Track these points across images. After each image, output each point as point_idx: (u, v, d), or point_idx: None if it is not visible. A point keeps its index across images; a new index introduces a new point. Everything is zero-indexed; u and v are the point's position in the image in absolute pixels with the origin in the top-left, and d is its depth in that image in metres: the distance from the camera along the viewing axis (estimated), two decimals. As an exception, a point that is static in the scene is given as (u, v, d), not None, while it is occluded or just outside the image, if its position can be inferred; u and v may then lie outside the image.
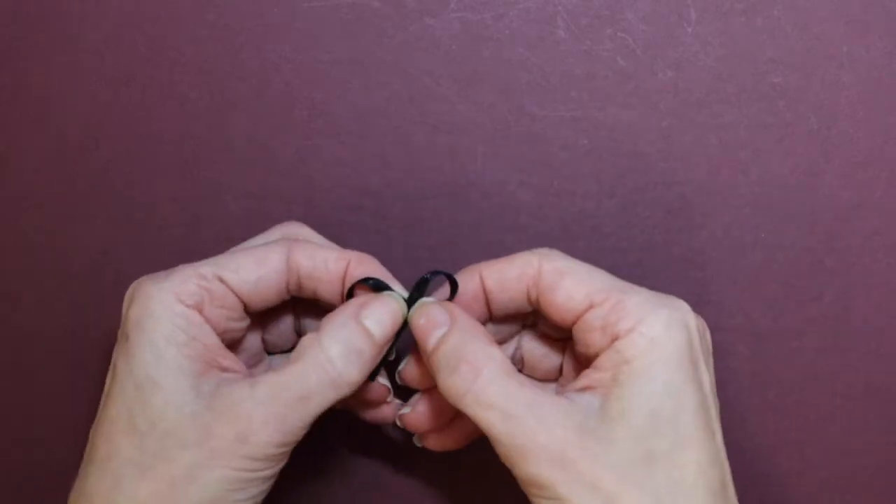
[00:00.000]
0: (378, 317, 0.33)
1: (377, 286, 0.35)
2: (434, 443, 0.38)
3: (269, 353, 0.39)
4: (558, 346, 0.37)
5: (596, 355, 0.32)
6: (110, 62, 0.42)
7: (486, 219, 0.41)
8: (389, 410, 0.38)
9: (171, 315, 0.32)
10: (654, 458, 0.30)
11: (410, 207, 0.42)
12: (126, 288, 0.43)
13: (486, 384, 0.31)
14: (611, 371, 0.31)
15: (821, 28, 0.40)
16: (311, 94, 0.42)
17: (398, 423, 0.38)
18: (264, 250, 0.35)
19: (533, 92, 0.41)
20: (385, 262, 0.36)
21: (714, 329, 0.41)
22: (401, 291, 0.35)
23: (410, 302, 0.35)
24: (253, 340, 0.37)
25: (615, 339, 0.31)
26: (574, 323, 0.33)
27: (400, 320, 0.34)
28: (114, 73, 0.42)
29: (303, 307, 0.38)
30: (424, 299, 0.35)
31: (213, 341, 0.33)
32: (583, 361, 0.34)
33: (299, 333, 0.39)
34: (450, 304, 0.34)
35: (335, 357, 0.32)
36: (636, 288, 0.33)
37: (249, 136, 0.42)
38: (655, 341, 0.31)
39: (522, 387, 0.31)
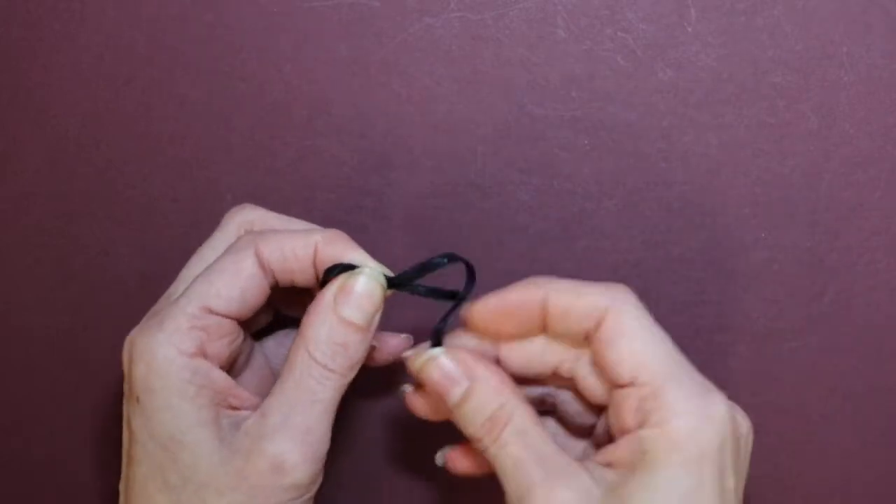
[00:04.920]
0: (356, 303, 0.33)
1: (346, 268, 0.34)
2: (458, 465, 0.37)
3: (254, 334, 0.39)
4: (595, 407, 0.36)
5: (622, 432, 0.31)
6: (110, 62, 0.42)
7: (486, 219, 0.41)
8: (395, 345, 0.38)
9: (177, 370, 0.32)
10: None
11: (410, 207, 0.42)
12: (126, 288, 0.43)
13: (507, 440, 0.31)
14: (629, 456, 0.30)
15: (821, 28, 0.40)
16: (311, 94, 0.42)
17: (405, 392, 0.36)
18: (234, 260, 0.33)
19: (533, 92, 0.41)
20: (385, 263, 0.35)
21: (714, 329, 0.41)
22: (373, 265, 0.34)
23: (461, 296, 0.34)
24: (246, 341, 0.37)
25: (642, 425, 0.30)
26: (613, 388, 0.32)
27: (378, 294, 0.33)
28: (114, 73, 0.42)
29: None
30: (432, 351, 0.33)
31: (223, 382, 0.33)
32: (612, 431, 0.33)
33: (272, 304, 0.38)
34: (463, 355, 0.33)
35: (321, 357, 0.32)
36: (684, 374, 0.31)
37: (249, 136, 0.42)
38: (679, 444, 0.30)
39: (539, 444, 0.31)
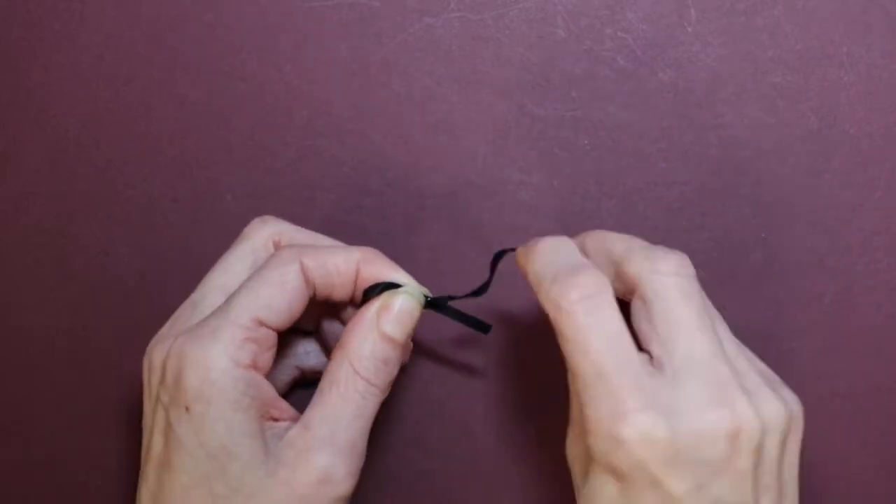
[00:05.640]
0: (397, 320, 0.34)
1: (388, 288, 0.35)
2: None
3: None
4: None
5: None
6: (110, 62, 0.42)
7: (486, 219, 0.41)
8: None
9: (233, 381, 0.32)
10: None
11: (410, 207, 0.42)
12: (126, 288, 0.43)
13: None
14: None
15: (821, 28, 0.40)
16: (311, 94, 0.42)
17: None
18: (280, 272, 0.34)
19: (533, 92, 0.41)
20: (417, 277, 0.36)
21: (714, 329, 0.41)
22: (412, 283, 0.35)
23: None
24: None
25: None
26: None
27: (417, 313, 0.35)
28: (114, 73, 0.42)
29: None
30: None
31: (270, 394, 0.33)
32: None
33: None
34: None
35: (364, 372, 0.33)
36: (609, 389, 0.30)
37: (249, 136, 0.42)
38: (599, 455, 0.30)
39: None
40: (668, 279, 0.31)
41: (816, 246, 0.41)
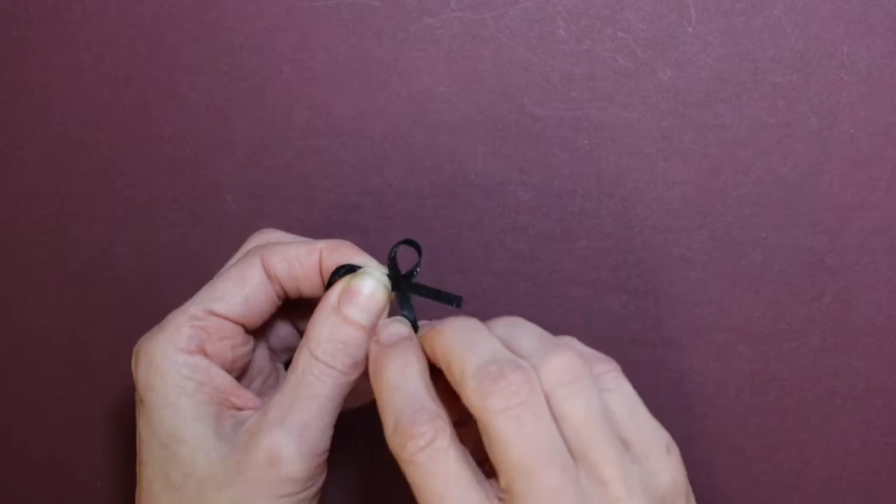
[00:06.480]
0: (359, 303, 0.33)
1: (352, 271, 0.34)
2: None
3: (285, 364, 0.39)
4: None
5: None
6: (110, 62, 0.42)
7: (486, 219, 0.41)
8: None
9: (175, 367, 0.32)
10: None
11: (410, 207, 0.42)
12: (126, 288, 0.43)
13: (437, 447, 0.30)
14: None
15: (821, 28, 0.40)
16: (311, 94, 0.42)
17: None
18: (240, 268, 0.34)
19: (533, 92, 0.41)
20: (385, 262, 0.36)
21: (714, 329, 0.41)
22: (377, 266, 0.34)
23: (393, 275, 0.34)
24: (261, 357, 0.37)
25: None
26: None
27: (382, 295, 0.34)
28: (114, 73, 0.42)
29: (295, 306, 0.38)
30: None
31: (224, 381, 0.33)
32: None
33: (301, 332, 0.39)
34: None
35: (322, 355, 0.33)
36: None
37: (249, 136, 0.42)
38: None
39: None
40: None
41: (816, 246, 0.41)
